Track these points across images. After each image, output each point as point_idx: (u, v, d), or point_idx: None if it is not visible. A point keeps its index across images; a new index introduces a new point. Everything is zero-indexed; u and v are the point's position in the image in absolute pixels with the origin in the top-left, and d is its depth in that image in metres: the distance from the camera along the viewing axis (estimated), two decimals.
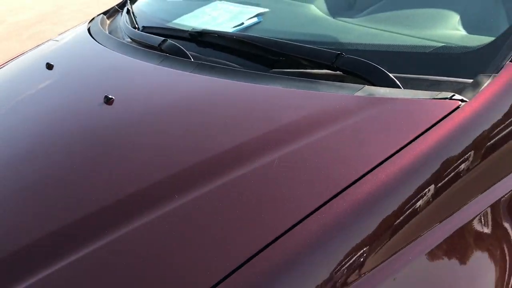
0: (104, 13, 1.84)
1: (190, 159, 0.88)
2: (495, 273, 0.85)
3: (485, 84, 0.91)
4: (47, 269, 0.74)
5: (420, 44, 1.07)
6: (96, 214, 0.82)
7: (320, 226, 0.73)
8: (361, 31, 1.23)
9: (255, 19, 1.40)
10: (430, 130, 0.85)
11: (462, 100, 0.89)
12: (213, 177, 0.84)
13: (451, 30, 1.12)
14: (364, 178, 0.79)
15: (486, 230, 0.87)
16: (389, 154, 0.81)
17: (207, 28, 1.35)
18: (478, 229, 0.86)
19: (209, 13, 1.52)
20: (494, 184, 0.88)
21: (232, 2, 1.55)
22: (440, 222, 0.82)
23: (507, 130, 0.89)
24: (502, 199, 0.88)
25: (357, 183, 0.78)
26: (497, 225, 0.88)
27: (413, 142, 0.83)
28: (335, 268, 0.71)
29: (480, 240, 0.87)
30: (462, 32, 1.10)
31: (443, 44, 1.05)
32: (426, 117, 0.87)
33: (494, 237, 0.87)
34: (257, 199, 0.79)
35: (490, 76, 0.92)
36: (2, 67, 1.68)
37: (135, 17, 1.61)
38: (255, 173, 0.83)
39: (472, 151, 0.86)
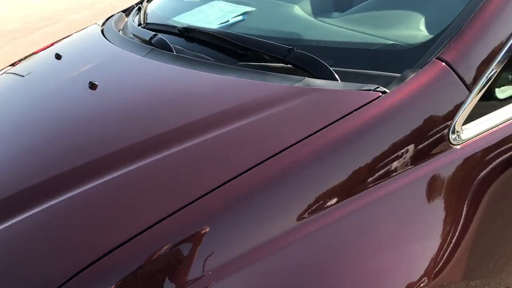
0: (124, 11, 2.02)
1: (132, 133, 1.03)
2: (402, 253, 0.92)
3: (408, 78, 0.98)
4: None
5: (364, 41, 1.15)
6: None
7: (224, 200, 0.84)
8: (330, 30, 1.32)
9: (240, 17, 1.52)
10: (347, 117, 0.93)
11: (383, 92, 0.97)
12: (156, 150, 0.97)
13: (404, 29, 1.19)
14: (278, 155, 0.89)
15: (398, 209, 0.94)
16: (301, 138, 0.91)
17: (195, 25, 1.48)
18: (390, 208, 0.93)
19: (204, 11, 1.65)
20: (405, 169, 0.95)
21: (228, 1, 1.68)
22: (348, 198, 0.90)
23: (424, 120, 0.96)
24: (414, 183, 0.94)
25: (269, 160, 0.88)
26: (406, 207, 0.94)
27: (328, 127, 0.92)
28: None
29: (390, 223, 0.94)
30: (411, 31, 1.16)
31: (382, 42, 1.12)
32: (347, 105, 0.95)
33: (401, 222, 0.94)
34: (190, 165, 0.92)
35: (415, 71, 0.99)
36: (33, 56, 1.89)
37: (144, 14, 1.77)
38: (192, 146, 0.95)
39: (388, 138, 0.93)
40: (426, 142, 0.96)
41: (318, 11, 1.50)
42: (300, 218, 0.85)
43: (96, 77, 1.31)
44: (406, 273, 0.90)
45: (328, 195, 0.88)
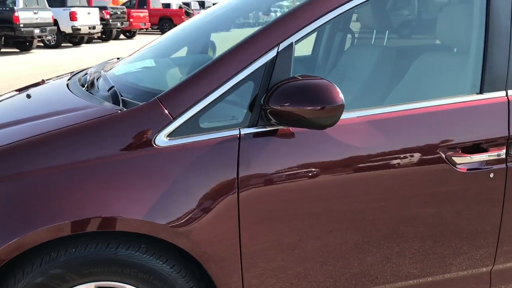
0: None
1: None
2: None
3: (140, 105, 1.71)
4: None
5: (140, 88, 1.91)
6: None
7: None
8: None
9: (139, 69, 2.35)
10: (79, 124, 1.68)
11: (121, 110, 1.71)
12: None
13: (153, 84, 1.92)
14: None
15: None
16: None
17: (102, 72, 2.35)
18: None
19: (132, 64, 2.50)
20: None
21: (154, 58, 2.50)
22: None
23: (141, 127, 1.67)
24: None
25: None
26: None
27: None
28: None
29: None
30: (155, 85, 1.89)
31: (146, 88, 1.87)
32: (92, 114, 1.71)
33: None
34: None
35: (143, 103, 1.72)
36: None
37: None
38: None
39: (116, 137, 1.66)
40: (136, 142, 1.65)
41: None
42: None
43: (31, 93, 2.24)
44: None
45: None
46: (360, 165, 1.79)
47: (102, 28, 19.06)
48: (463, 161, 1.89)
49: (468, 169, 1.90)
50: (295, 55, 1.78)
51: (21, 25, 14.43)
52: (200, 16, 2.72)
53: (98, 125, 1.67)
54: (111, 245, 1.64)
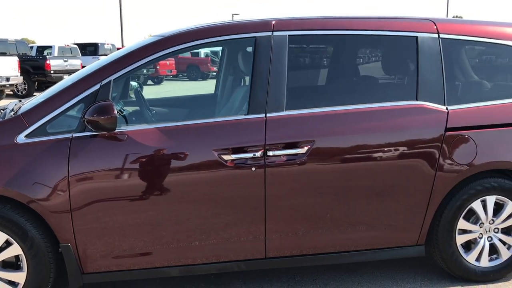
0: None
1: None
2: None
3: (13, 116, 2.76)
4: None
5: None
6: None
7: None
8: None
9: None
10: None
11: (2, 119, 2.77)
12: None
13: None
14: None
15: None
16: None
17: None
18: None
19: None
20: None
21: None
22: None
23: None
24: None
25: None
26: None
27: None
28: None
29: None
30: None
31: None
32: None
33: None
34: None
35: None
36: None
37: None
38: None
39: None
40: (5, 137, 2.70)
41: None
42: None
43: None
44: None
45: None
46: (153, 159, 2.76)
47: None
48: (229, 158, 2.83)
49: (235, 164, 2.83)
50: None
51: (52, 72, 16.18)
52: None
53: None
54: None
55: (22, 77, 14.93)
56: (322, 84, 3.38)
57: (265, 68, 2.94)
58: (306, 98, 3.15)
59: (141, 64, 2.86)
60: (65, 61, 16.96)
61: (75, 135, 2.74)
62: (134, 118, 3.25)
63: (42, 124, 2.75)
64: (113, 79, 2.82)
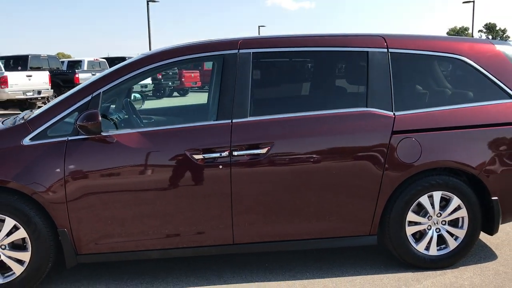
0: None
1: None
2: None
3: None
4: None
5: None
6: None
7: None
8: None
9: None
10: None
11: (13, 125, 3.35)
12: None
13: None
14: None
15: None
16: None
17: None
18: None
19: None
20: None
21: None
22: None
23: None
24: None
25: None
26: None
27: None
28: None
29: None
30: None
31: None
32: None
33: None
34: None
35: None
36: None
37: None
38: None
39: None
40: (14, 140, 3.28)
41: None
42: None
43: None
44: None
45: None
46: (135, 160, 3.29)
47: (153, 87, 21.62)
48: (200, 157, 3.33)
49: (205, 162, 3.33)
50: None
51: None
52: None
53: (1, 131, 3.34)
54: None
55: (52, 90, 15.87)
56: (282, 93, 3.86)
57: (232, 80, 3.44)
58: (268, 106, 3.64)
59: (124, 80, 3.42)
60: (93, 74, 17.88)
61: (70, 138, 3.30)
62: (122, 124, 3.79)
63: (43, 129, 3.31)
64: (102, 92, 3.38)
